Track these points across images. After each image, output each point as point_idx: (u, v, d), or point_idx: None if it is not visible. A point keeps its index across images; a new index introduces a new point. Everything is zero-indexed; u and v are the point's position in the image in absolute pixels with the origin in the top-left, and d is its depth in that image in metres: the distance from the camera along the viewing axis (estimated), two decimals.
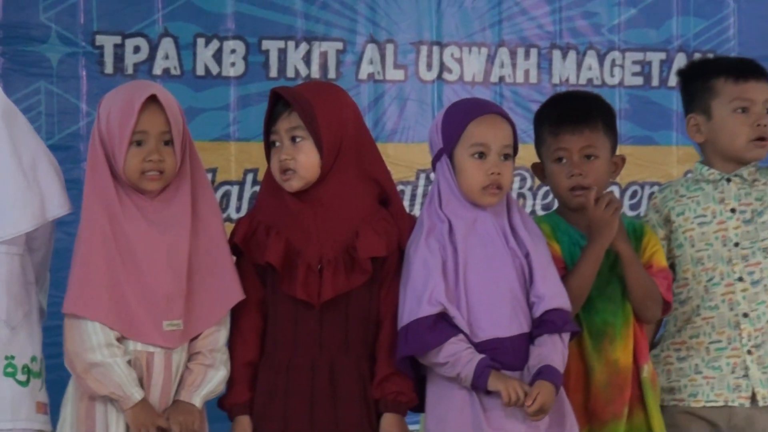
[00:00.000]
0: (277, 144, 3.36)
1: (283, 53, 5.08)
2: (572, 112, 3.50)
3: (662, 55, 5.38)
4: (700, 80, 3.64)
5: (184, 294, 3.26)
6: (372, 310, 3.34)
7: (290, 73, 5.08)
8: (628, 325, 3.45)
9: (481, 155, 3.31)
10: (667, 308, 3.50)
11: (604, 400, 3.40)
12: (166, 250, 3.25)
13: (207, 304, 3.29)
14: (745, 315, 3.56)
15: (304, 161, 3.32)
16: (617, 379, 3.41)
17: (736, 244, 3.59)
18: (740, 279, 3.58)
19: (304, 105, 3.31)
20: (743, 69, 3.61)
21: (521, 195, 5.35)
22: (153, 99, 3.25)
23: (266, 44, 5.06)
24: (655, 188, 4.77)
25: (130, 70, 4.88)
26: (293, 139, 3.33)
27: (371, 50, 5.20)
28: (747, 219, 3.60)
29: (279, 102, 3.37)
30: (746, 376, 3.55)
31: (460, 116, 3.37)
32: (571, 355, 3.36)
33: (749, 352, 3.55)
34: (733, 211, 3.61)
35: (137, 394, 3.22)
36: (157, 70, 4.91)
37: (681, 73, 3.79)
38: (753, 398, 3.56)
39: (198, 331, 3.29)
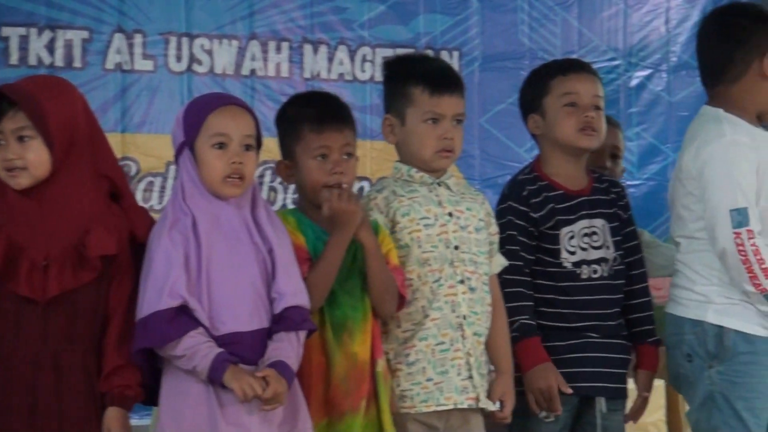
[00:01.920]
0: (2, 142, 3.26)
1: (24, 40, 4.96)
2: (333, 112, 3.54)
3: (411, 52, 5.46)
4: (399, 83, 3.68)
5: None
6: (101, 305, 3.27)
7: (32, 61, 4.97)
8: (366, 319, 3.47)
9: (222, 145, 3.30)
10: (402, 303, 3.54)
11: (342, 393, 3.41)
12: None
13: None
14: (465, 317, 3.62)
15: (34, 159, 3.23)
16: (355, 373, 3.43)
17: (456, 247, 3.64)
18: (461, 282, 3.63)
19: (32, 104, 3.22)
20: (439, 82, 3.65)
21: (272, 189, 5.35)
22: None
23: (6, 31, 4.94)
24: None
25: None
26: (20, 138, 3.24)
27: (119, 40, 5.12)
28: (462, 225, 3.67)
29: (2, 100, 3.26)
30: (470, 377, 3.60)
31: (200, 108, 3.36)
32: (314, 347, 3.38)
33: (469, 354, 3.61)
34: (450, 215, 3.67)
35: None
36: None
37: (385, 65, 3.84)
38: (479, 399, 3.61)
39: None
